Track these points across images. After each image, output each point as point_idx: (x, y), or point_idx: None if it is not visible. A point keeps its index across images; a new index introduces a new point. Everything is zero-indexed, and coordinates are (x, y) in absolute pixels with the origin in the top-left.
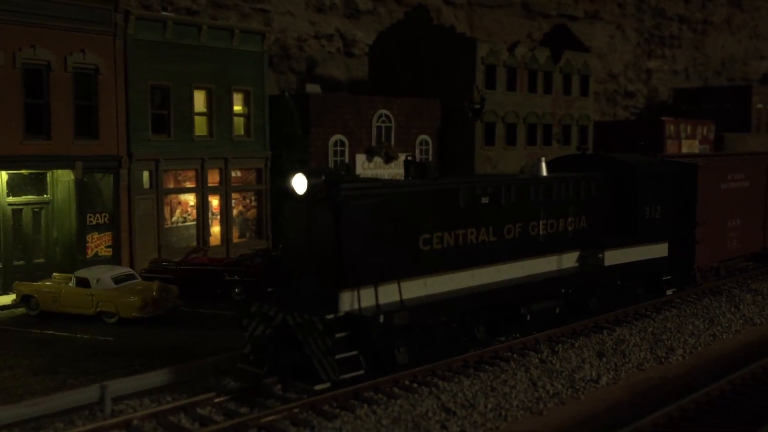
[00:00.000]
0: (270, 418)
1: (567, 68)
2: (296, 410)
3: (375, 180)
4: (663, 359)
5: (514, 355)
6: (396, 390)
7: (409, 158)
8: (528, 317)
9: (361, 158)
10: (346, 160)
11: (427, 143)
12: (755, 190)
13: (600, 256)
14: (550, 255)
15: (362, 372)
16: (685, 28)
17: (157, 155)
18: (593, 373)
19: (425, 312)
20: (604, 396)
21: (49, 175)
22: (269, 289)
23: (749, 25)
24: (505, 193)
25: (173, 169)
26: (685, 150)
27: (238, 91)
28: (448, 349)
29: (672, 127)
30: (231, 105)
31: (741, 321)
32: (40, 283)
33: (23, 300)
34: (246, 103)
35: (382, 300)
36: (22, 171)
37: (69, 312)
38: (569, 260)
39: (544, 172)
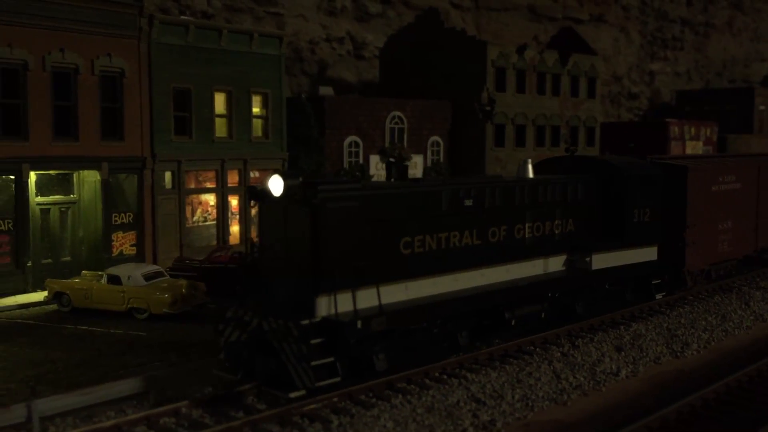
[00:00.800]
0: (311, 407)
1: (574, 71)
2: (335, 399)
3: (354, 182)
4: (679, 353)
5: (537, 349)
6: (427, 381)
7: (391, 160)
8: (512, 322)
9: (374, 159)
10: (361, 161)
11: (438, 144)
12: (746, 193)
13: (587, 259)
14: (536, 258)
15: (339, 379)
16: (687, 31)
17: (179, 156)
18: (613, 366)
19: (405, 317)
20: (625, 388)
21: (75, 175)
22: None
23: (750, 27)
24: (489, 196)
25: (194, 169)
26: (689, 151)
27: (256, 93)
28: (430, 354)
29: (676, 129)
30: (250, 107)
31: (752, 317)
32: (71, 280)
33: (55, 297)
34: (264, 105)
35: (361, 305)
36: (50, 171)
37: (100, 308)
38: (556, 264)
39: (530, 174)
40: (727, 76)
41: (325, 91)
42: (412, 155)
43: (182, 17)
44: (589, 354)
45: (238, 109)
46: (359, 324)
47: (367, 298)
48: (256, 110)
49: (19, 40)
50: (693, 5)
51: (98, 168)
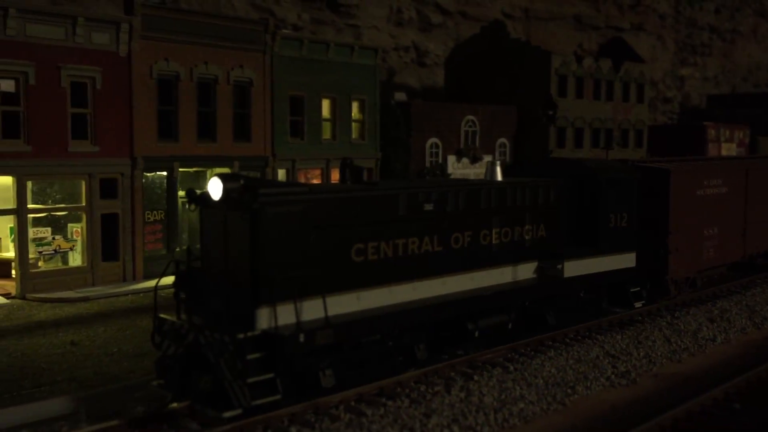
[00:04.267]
0: (488, 356)
1: (626, 77)
2: (504, 351)
3: (300, 185)
4: (760, 325)
5: (646, 319)
6: (567, 340)
7: (348, 161)
8: (476, 333)
9: (451, 159)
10: (440, 161)
11: (505, 146)
12: (734, 197)
13: (559, 267)
14: (504, 266)
15: (279, 397)
16: (715, 38)
17: (294, 156)
18: (710, 334)
19: (355, 329)
20: (723, 351)
21: (208, 172)
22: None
23: None
24: (452, 200)
25: (304, 168)
26: (724, 152)
27: (355, 99)
28: (383, 369)
29: (713, 131)
30: (350, 112)
31: None
32: None
33: None
34: (361, 110)
35: (307, 317)
36: (190, 169)
37: None
38: (526, 271)
39: (499, 177)
40: (752, 80)
41: (400, 96)
42: (484, 155)
43: (285, 31)
44: (689, 324)
45: (340, 114)
46: (302, 337)
47: (312, 310)
48: (354, 114)
49: (173, 55)
50: (721, 13)
51: (231, 166)
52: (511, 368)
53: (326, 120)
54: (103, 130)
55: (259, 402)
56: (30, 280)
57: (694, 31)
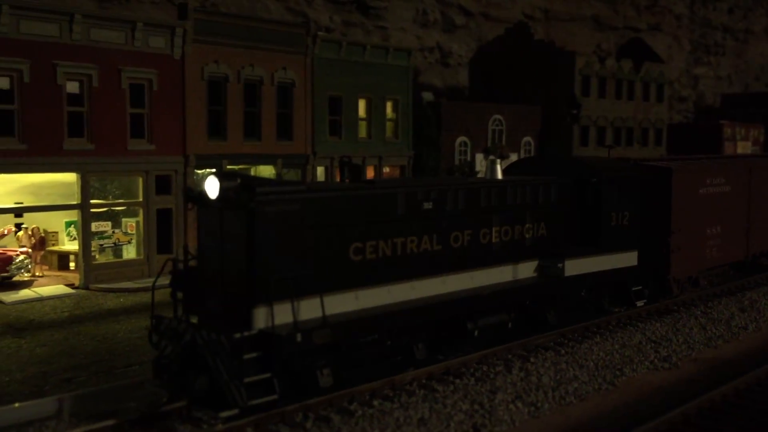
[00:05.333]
0: (541, 341)
1: (646, 77)
2: (554, 336)
3: (297, 183)
4: None
5: (681, 309)
6: (611, 327)
7: (345, 160)
8: (476, 333)
9: (479, 157)
10: (469, 159)
11: (530, 144)
12: (736, 196)
13: (560, 265)
14: (504, 265)
15: (275, 397)
16: (728, 37)
17: (332, 153)
18: (742, 322)
19: (353, 329)
20: (755, 338)
21: (252, 169)
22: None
23: None
24: (451, 199)
25: None
26: (740, 151)
27: (389, 99)
28: (382, 369)
29: (729, 130)
30: (384, 111)
31: None
32: None
33: None
34: (395, 109)
35: (304, 316)
36: (236, 167)
37: None
38: (526, 270)
39: (499, 175)
40: (765, 79)
41: (427, 96)
42: (510, 153)
43: (324, 34)
44: (721, 313)
45: (375, 113)
46: (299, 337)
47: (310, 309)
48: (388, 114)
49: (222, 58)
50: (734, 13)
51: (274, 164)
52: (563, 352)
53: (362, 119)
54: (158, 129)
55: (255, 402)
56: (92, 271)
57: (707, 31)
